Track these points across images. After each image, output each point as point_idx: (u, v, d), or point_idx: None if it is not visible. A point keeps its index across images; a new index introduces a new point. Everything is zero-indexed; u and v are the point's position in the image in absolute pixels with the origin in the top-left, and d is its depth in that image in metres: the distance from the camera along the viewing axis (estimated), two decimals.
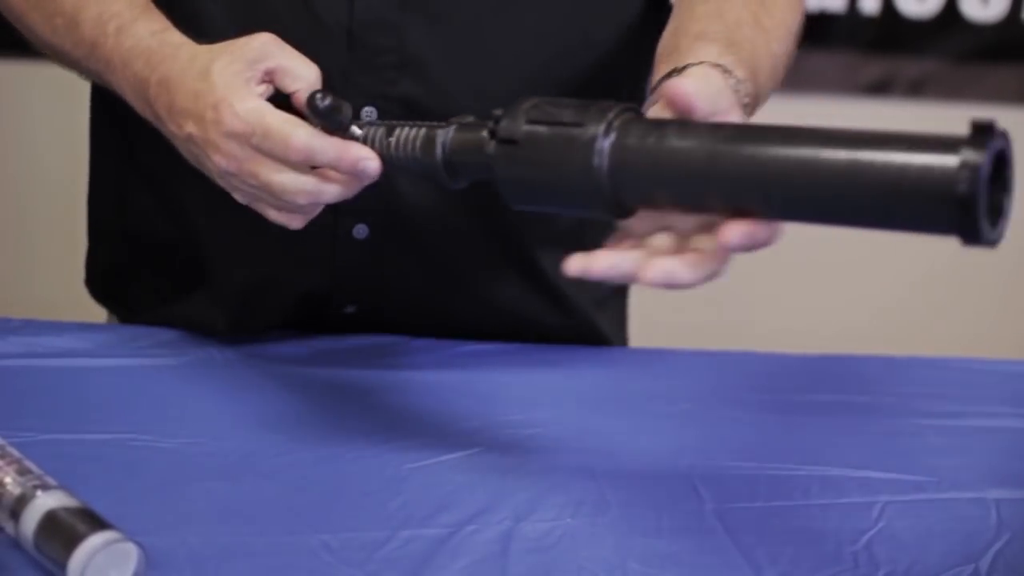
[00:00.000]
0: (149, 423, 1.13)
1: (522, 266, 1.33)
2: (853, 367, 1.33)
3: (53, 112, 2.27)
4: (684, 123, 0.89)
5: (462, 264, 1.31)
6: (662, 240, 0.91)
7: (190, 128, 1.07)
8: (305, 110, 1.04)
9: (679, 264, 0.89)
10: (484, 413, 1.18)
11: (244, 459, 1.09)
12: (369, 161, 1.03)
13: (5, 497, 0.94)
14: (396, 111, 1.21)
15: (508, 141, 0.93)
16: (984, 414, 1.23)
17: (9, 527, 0.93)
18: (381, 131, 1.03)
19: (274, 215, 1.08)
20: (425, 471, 1.08)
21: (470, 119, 0.99)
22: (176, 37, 1.13)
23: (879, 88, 2.54)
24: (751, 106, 1.06)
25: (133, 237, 1.38)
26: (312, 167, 1.04)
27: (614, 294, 1.44)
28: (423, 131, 1.01)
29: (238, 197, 1.09)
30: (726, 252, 0.88)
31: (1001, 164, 0.81)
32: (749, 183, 0.85)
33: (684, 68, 1.00)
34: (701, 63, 1.01)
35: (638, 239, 0.92)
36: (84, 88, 1.34)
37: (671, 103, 0.91)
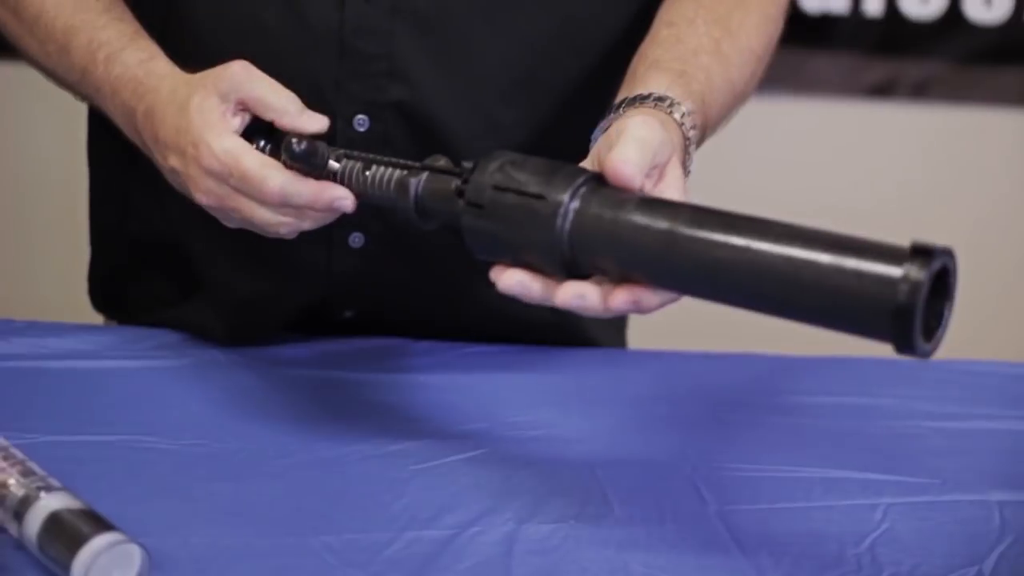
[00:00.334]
0: (153, 424, 1.13)
1: None
2: (856, 369, 1.33)
3: (54, 113, 2.27)
4: (643, 200, 0.92)
5: (457, 269, 1.31)
6: None
7: (173, 162, 1.10)
8: (283, 155, 1.05)
9: (590, 287, 0.93)
10: (487, 415, 1.18)
11: (247, 460, 1.09)
12: (344, 200, 1.05)
13: (9, 499, 0.94)
14: (388, 118, 1.22)
15: (474, 205, 0.95)
16: (987, 416, 1.23)
17: (13, 528, 0.93)
18: (358, 167, 1.04)
19: (264, 233, 1.09)
20: (429, 473, 1.08)
21: (441, 162, 1.01)
22: (162, 67, 1.14)
23: (882, 90, 2.54)
24: (699, 137, 1.09)
25: (133, 242, 1.38)
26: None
27: None
28: (397, 173, 1.02)
29: (226, 223, 1.10)
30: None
31: (944, 277, 0.84)
32: (698, 274, 0.89)
33: (634, 108, 1.04)
34: (645, 112, 1.03)
35: None
36: None
37: (610, 178, 0.94)
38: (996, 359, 1.36)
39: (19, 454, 0.98)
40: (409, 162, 1.02)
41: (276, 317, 1.32)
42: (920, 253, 0.81)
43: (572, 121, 1.18)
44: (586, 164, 1.00)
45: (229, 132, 1.06)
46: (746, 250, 0.86)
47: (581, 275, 0.94)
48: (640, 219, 0.90)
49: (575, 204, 0.92)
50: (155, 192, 1.33)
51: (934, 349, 0.85)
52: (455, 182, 0.98)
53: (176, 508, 1.01)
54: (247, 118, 1.08)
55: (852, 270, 0.82)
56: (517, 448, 1.13)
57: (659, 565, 0.97)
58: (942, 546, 1.01)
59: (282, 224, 1.06)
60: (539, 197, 0.93)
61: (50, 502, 0.93)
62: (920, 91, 2.53)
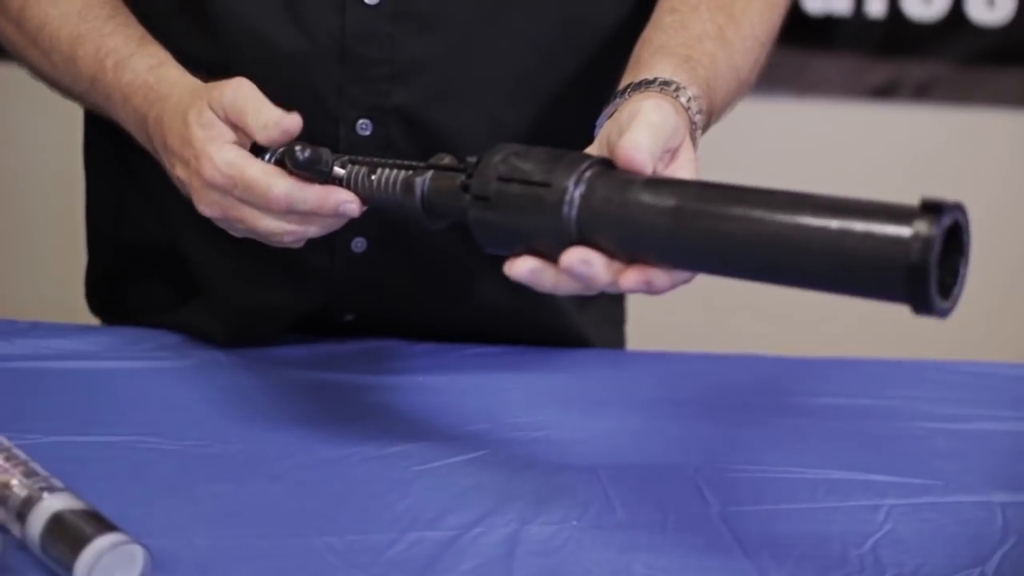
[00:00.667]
0: (155, 425, 1.13)
1: None
2: (859, 370, 1.33)
3: (55, 113, 2.27)
4: (650, 181, 0.91)
5: (458, 271, 1.31)
6: None
7: (179, 171, 1.10)
8: (287, 163, 1.04)
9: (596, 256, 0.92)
10: (490, 416, 1.18)
11: (250, 461, 1.09)
12: (349, 204, 1.04)
13: (11, 499, 0.94)
14: (390, 122, 1.22)
15: (480, 198, 0.95)
16: (990, 418, 1.23)
17: (15, 529, 0.93)
18: (363, 171, 1.04)
19: (268, 242, 1.09)
20: (431, 474, 1.08)
21: (446, 161, 1.01)
22: (172, 73, 1.14)
23: (885, 91, 2.54)
24: (704, 122, 1.08)
25: (129, 247, 1.38)
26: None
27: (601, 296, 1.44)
28: (402, 174, 1.02)
29: (233, 233, 1.10)
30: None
31: (956, 233, 0.83)
32: (709, 248, 0.88)
33: (640, 93, 1.03)
34: (656, 96, 1.02)
35: None
36: None
37: (621, 163, 0.93)
38: (999, 360, 1.36)
39: (22, 455, 0.98)
40: (413, 163, 1.02)
41: (277, 321, 1.32)
42: (930, 210, 0.80)
43: (573, 114, 1.18)
44: (592, 149, 1.00)
45: (230, 144, 1.06)
46: (755, 221, 0.85)
47: None
48: (646, 199, 0.90)
49: (581, 189, 0.92)
50: (152, 198, 1.33)
51: (952, 307, 0.83)
52: (460, 178, 0.98)
53: (179, 509, 1.01)
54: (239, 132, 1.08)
55: (862, 232, 0.81)
56: (519, 449, 1.13)
57: (662, 566, 0.97)
58: (945, 547, 1.01)
59: (287, 232, 1.06)
60: (545, 185, 0.93)
61: (53, 503, 0.93)
62: (922, 92, 2.53)
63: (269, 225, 1.06)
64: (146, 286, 1.39)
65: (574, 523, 1.02)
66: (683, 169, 0.97)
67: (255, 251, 1.14)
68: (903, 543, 1.02)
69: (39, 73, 1.26)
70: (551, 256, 0.93)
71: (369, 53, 1.20)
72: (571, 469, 1.10)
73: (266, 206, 1.05)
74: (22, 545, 0.93)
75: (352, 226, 1.21)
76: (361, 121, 1.22)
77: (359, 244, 1.27)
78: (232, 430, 1.14)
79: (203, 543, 0.97)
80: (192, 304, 1.33)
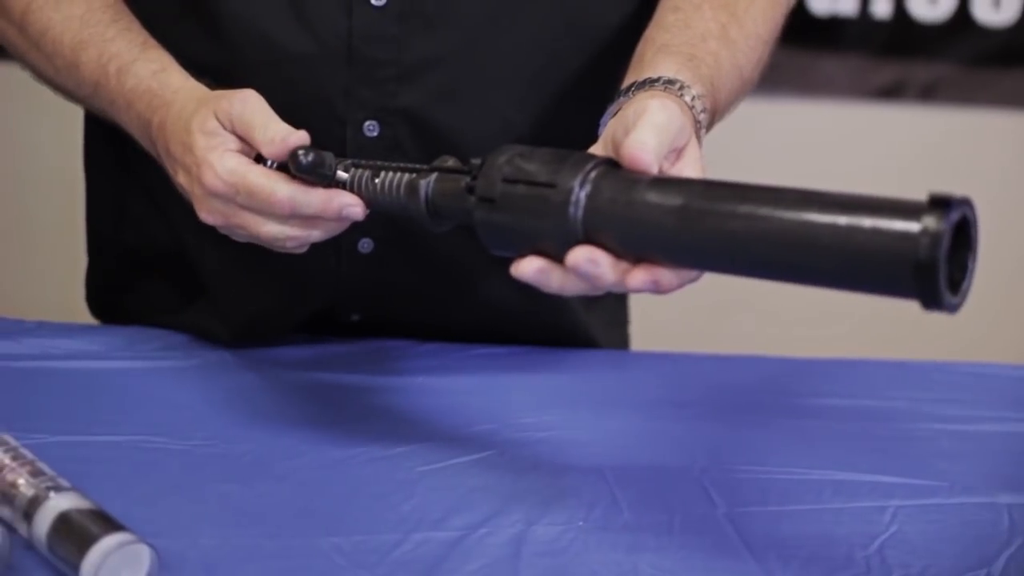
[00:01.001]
0: (161, 425, 1.13)
1: None
2: (864, 371, 1.33)
3: (57, 114, 2.27)
4: (655, 180, 0.91)
5: (463, 271, 1.31)
6: None
7: (181, 178, 1.10)
8: (290, 167, 1.04)
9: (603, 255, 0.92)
10: (496, 416, 1.18)
11: (256, 461, 1.09)
12: (353, 208, 1.04)
13: (18, 499, 0.94)
14: (398, 123, 1.22)
15: (485, 199, 0.95)
16: (996, 419, 1.23)
17: (22, 528, 0.93)
18: (367, 174, 1.04)
19: (271, 248, 1.09)
20: (437, 474, 1.08)
21: (450, 163, 1.01)
22: (175, 79, 1.14)
23: (891, 92, 2.54)
24: (708, 121, 1.08)
25: (130, 251, 1.38)
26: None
27: (606, 296, 1.44)
28: (406, 177, 1.02)
29: (235, 238, 1.10)
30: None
31: (965, 227, 0.83)
32: (715, 246, 0.88)
33: (645, 92, 1.03)
34: (661, 95, 1.02)
35: None
36: None
37: (627, 162, 0.93)
38: (1005, 361, 1.36)
39: (28, 454, 0.98)
40: (417, 165, 1.02)
41: (283, 322, 1.32)
42: (938, 204, 0.80)
43: (577, 113, 1.18)
44: (597, 148, 0.99)
45: (232, 152, 1.06)
46: (762, 219, 0.85)
47: None
48: (652, 198, 0.89)
49: (587, 189, 0.92)
50: (155, 201, 1.33)
51: (961, 302, 0.83)
52: (464, 180, 0.98)
53: (185, 508, 1.01)
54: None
55: (871, 228, 0.81)
56: (525, 450, 1.13)
57: (668, 567, 0.97)
58: (951, 548, 1.01)
59: (290, 237, 1.06)
60: (550, 186, 0.92)
61: (59, 502, 0.93)
62: (928, 93, 2.53)
63: (272, 230, 1.06)
64: (148, 289, 1.39)
65: (580, 524, 1.02)
66: (689, 168, 0.97)
67: (261, 252, 1.14)
68: (909, 544, 1.02)
69: (42, 76, 1.26)
70: (557, 257, 0.93)
71: (376, 54, 1.20)
72: (577, 470, 1.10)
73: (270, 211, 1.04)
74: (29, 544, 0.93)
75: (358, 227, 1.20)
76: (368, 123, 1.22)
77: (365, 245, 1.27)
78: (238, 430, 1.14)
79: (209, 543, 0.97)
80: (195, 306, 1.33)
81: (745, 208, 0.86)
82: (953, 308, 0.82)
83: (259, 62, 1.20)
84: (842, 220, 0.82)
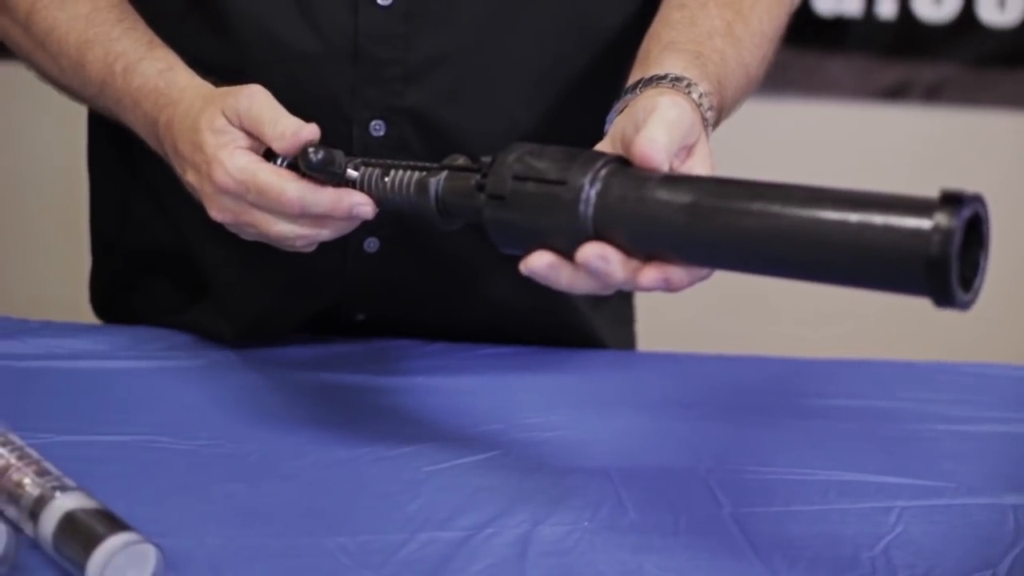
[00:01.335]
0: (167, 425, 1.13)
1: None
2: (870, 372, 1.33)
3: (60, 113, 2.28)
4: (666, 177, 0.91)
5: (469, 271, 1.31)
6: None
7: (190, 176, 1.10)
8: (300, 165, 1.04)
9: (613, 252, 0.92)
10: (502, 416, 1.18)
11: (262, 461, 1.09)
12: (363, 207, 1.04)
13: (24, 498, 0.94)
14: (404, 123, 1.22)
15: (495, 197, 0.95)
16: (1002, 420, 1.23)
17: (28, 528, 0.94)
18: (377, 172, 1.04)
19: (280, 247, 1.09)
20: (443, 474, 1.08)
21: (460, 161, 1.01)
22: (182, 78, 1.14)
23: (895, 93, 2.54)
24: (715, 119, 1.08)
25: (135, 250, 1.38)
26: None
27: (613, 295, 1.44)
28: (416, 175, 1.02)
29: (244, 237, 1.10)
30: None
31: (976, 224, 0.82)
32: (727, 243, 0.88)
33: (653, 88, 1.03)
34: (671, 92, 1.02)
35: None
36: None
37: (637, 159, 0.93)
38: (1010, 362, 1.36)
39: (34, 453, 0.98)
40: (427, 164, 1.02)
41: (288, 321, 1.32)
42: (949, 201, 0.80)
43: (582, 112, 1.18)
44: (604, 145, 0.99)
45: (242, 150, 1.06)
46: (773, 215, 0.85)
47: None
48: (663, 195, 0.89)
49: (597, 187, 0.92)
50: (160, 201, 1.33)
51: (973, 300, 0.82)
52: (474, 178, 0.98)
53: (191, 508, 1.01)
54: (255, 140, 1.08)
55: (882, 225, 0.81)
56: (531, 450, 1.13)
57: (673, 567, 0.97)
58: (956, 549, 1.01)
59: (300, 236, 1.06)
60: (560, 183, 0.92)
61: (65, 502, 0.93)
62: (933, 94, 2.53)
63: (282, 229, 1.06)
64: (152, 289, 1.39)
65: (586, 524, 1.02)
66: (699, 166, 0.97)
67: (266, 251, 1.14)
68: (915, 545, 1.02)
69: (47, 76, 1.26)
70: (567, 255, 0.93)
71: (382, 54, 1.20)
72: (583, 470, 1.10)
73: (279, 210, 1.04)
74: (35, 544, 0.93)
75: (364, 226, 1.20)
76: (374, 122, 1.22)
77: (371, 244, 1.27)
78: (244, 430, 1.14)
79: (215, 542, 0.97)
80: (200, 305, 1.33)
81: (756, 205, 0.86)
82: (965, 306, 0.82)
83: (265, 61, 1.20)
84: (853, 217, 0.82)
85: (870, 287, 0.84)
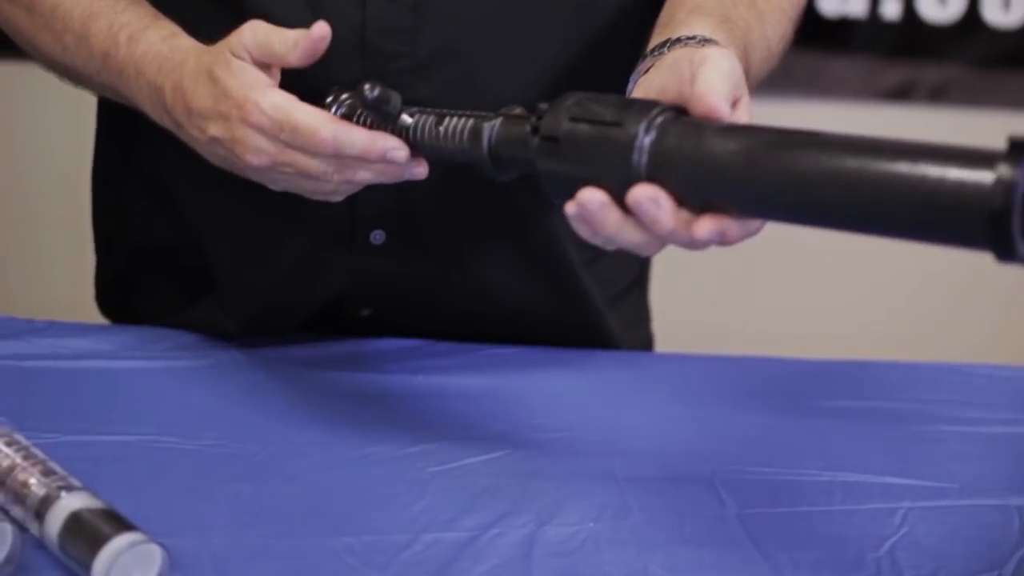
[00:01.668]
0: (173, 425, 1.13)
1: (537, 266, 1.33)
2: (876, 373, 1.33)
3: (65, 112, 2.28)
4: (723, 127, 0.90)
5: (478, 266, 1.31)
6: None
7: (213, 130, 1.08)
8: (356, 101, 1.04)
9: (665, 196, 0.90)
10: (507, 417, 1.18)
11: (268, 461, 1.10)
12: (397, 151, 1.03)
13: (30, 498, 0.94)
14: None
15: (550, 138, 0.94)
16: (1007, 421, 1.23)
17: (34, 528, 0.94)
18: (431, 120, 1.03)
19: (313, 194, 1.09)
20: (448, 474, 1.08)
21: (518, 110, 1.00)
22: (186, 42, 1.14)
23: (900, 94, 2.54)
24: None
25: (138, 248, 1.38)
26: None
27: (628, 290, 1.44)
28: (470, 122, 1.01)
29: (273, 187, 1.10)
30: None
31: None
32: (785, 190, 0.86)
33: (702, 48, 1.00)
34: (721, 47, 1.01)
35: None
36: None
37: (696, 108, 0.92)
38: (1016, 363, 1.36)
39: (40, 453, 0.98)
40: (483, 112, 1.01)
41: (293, 314, 1.32)
42: (1014, 151, 0.77)
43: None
44: None
45: (273, 87, 1.06)
46: (831, 164, 0.83)
47: None
48: (721, 142, 0.88)
49: (653, 132, 0.90)
50: (162, 197, 1.33)
51: None
52: (531, 120, 0.97)
53: (197, 508, 1.01)
54: (278, 73, 1.07)
55: (943, 176, 0.79)
56: (537, 451, 1.13)
57: (678, 568, 0.97)
58: (962, 550, 1.01)
59: (336, 173, 1.05)
60: (616, 124, 0.91)
61: (71, 502, 0.93)
62: (938, 95, 2.53)
63: (320, 166, 1.05)
64: (157, 287, 1.38)
65: (591, 524, 1.02)
66: (744, 119, 0.96)
67: (274, 242, 1.13)
68: (920, 546, 1.02)
69: (50, 60, 1.25)
70: (619, 199, 0.91)
71: (390, 47, 1.20)
72: (588, 471, 1.10)
73: (313, 149, 1.04)
74: (40, 544, 0.93)
75: (371, 218, 1.20)
76: None
77: (378, 236, 1.27)
78: (250, 430, 1.14)
79: (221, 543, 0.97)
80: (205, 301, 1.33)
81: (816, 153, 0.84)
82: None
83: None
84: (915, 167, 0.80)
85: (930, 240, 0.82)
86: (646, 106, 0.92)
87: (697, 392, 1.26)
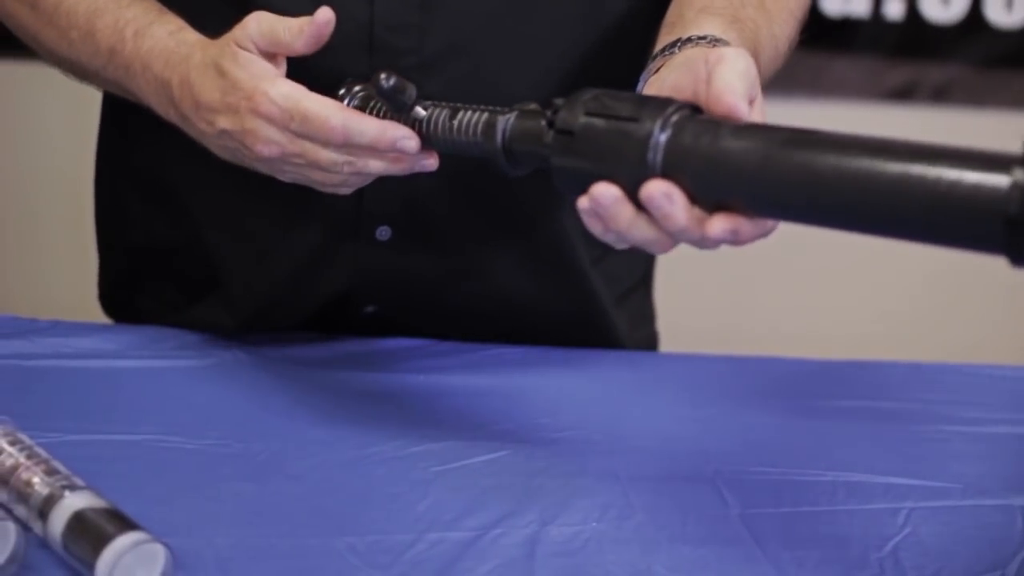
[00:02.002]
0: (176, 424, 1.14)
1: (544, 264, 1.33)
2: (879, 373, 1.33)
3: (68, 111, 2.28)
4: (739, 125, 0.90)
5: (484, 263, 1.31)
6: None
7: (223, 123, 1.08)
8: (371, 90, 1.04)
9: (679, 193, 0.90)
10: (511, 416, 1.18)
11: (271, 461, 1.10)
12: (408, 141, 1.04)
13: (33, 497, 0.94)
14: None
15: (565, 132, 0.94)
16: (1010, 421, 1.23)
17: (37, 527, 0.94)
18: (445, 113, 1.03)
19: (322, 186, 1.09)
20: (452, 474, 1.08)
21: (532, 106, 1.00)
22: (192, 36, 1.14)
23: (903, 94, 2.54)
24: None
25: (141, 247, 1.38)
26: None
27: (634, 289, 1.44)
28: (485, 115, 1.01)
29: (283, 178, 1.10)
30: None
31: None
32: (800, 190, 0.85)
33: (717, 47, 1.01)
34: (728, 46, 1.01)
35: None
36: (92, 90, 1.33)
37: (714, 107, 0.92)
38: (1018, 363, 1.36)
39: (43, 453, 0.98)
40: (498, 107, 1.01)
41: (296, 311, 1.32)
42: None
43: None
44: None
45: (281, 77, 1.06)
46: (847, 165, 0.83)
47: None
48: (737, 140, 0.88)
49: (669, 128, 0.90)
50: (166, 196, 1.33)
51: None
52: (545, 114, 0.97)
53: (200, 508, 1.02)
54: (284, 62, 1.07)
55: (959, 180, 0.78)
56: (540, 450, 1.13)
57: (682, 568, 0.97)
58: (964, 551, 1.01)
59: (347, 163, 1.05)
60: (632, 120, 0.91)
61: (74, 501, 0.93)
62: (941, 95, 2.53)
63: (331, 154, 1.05)
64: (159, 285, 1.38)
65: (594, 524, 1.02)
66: (758, 119, 0.95)
67: (278, 237, 1.13)
68: (923, 546, 1.02)
69: (55, 56, 1.25)
70: (633, 195, 0.91)
71: (398, 43, 1.20)
72: (591, 470, 1.10)
73: (324, 139, 1.04)
74: (44, 543, 0.94)
75: (377, 214, 1.20)
76: None
77: (383, 232, 1.26)
78: (253, 429, 1.14)
79: (224, 542, 0.97)
80: (208, 299, 1.33)
81: (832, 154, 0.84)
82: None
83: None
84: (930, 170, 0.80)
85: (942, 242, 0.81)
86: (662, 103, 0.92)
87: (700, 392, 1.26)
